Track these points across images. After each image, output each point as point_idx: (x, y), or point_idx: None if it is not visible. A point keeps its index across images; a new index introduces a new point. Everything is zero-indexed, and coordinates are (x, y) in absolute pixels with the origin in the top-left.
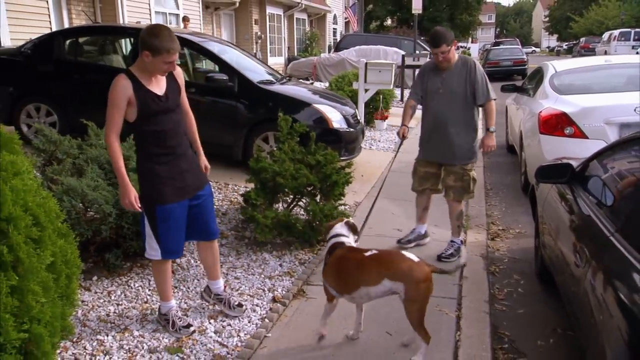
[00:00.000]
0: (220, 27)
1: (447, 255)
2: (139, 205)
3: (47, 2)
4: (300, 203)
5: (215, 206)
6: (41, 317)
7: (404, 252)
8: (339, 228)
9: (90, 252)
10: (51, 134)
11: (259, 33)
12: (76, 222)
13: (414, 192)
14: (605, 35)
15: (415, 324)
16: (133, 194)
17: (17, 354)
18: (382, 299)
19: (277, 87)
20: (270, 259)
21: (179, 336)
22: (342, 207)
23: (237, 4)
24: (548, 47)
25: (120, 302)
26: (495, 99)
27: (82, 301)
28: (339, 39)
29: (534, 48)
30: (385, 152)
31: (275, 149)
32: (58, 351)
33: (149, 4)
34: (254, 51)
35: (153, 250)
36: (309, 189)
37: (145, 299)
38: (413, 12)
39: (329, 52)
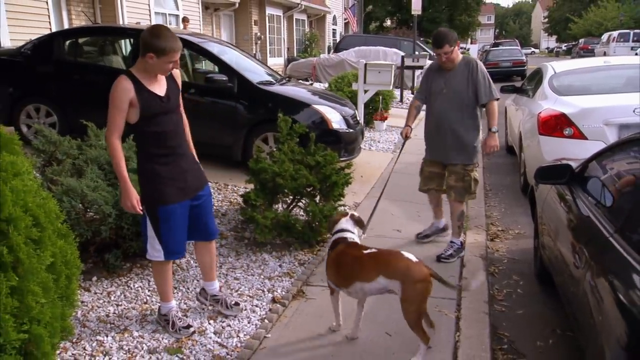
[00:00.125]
0: (220, 28)
1: (447, 256)
2: (141, 207)
3: (46, 2)
4: (300, 204)
5: (214, 207)
6: (41, 317)
7: (403, 252)
8: (344, 223)
9: (90, 253)
10: (51, 135)
11: (258, 34)
12: (76, 222)
13: (420, 192)
14: (604, 37)
15: (412, 324)
16: (135, 196)
17: (17, 355)
18: (382, 299)
19: (276, 88)
20: (270, 259)
21: (179, 337)
22: (342, 207)
23: (237, 5)
24: (547, 48)
25: (120, 303)
26: (498, 99)
27: (82, 302)
28: (338, 40)
29: (533, 49)
30: (384, 153)
31: (274, 149)
32: (58, 352)
33: (149, 5)
34: (254, 52)
35: (155, 251)
36: (309, 189)
37: (144, 300)
38: (412, 13)
39: (329, 53)
